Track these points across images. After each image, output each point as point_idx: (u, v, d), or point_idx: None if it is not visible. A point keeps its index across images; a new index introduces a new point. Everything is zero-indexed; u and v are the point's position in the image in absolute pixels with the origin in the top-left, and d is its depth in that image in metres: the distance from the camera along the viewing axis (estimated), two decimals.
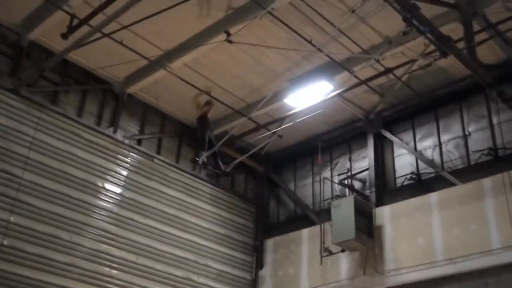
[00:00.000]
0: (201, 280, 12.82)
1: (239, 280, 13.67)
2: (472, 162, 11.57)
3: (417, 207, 11.62)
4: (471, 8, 9.72)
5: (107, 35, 10.30)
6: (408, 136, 12.91)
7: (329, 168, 14.12)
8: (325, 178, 13.55)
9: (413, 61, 10.73)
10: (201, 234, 13.18)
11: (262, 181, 15.04)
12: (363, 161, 13.33)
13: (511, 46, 10.76)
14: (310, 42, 10.75)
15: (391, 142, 13.00)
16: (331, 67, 11.64)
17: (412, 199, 11.79)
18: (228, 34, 10.50)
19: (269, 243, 14.09)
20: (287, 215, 14.48)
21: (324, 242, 12.33)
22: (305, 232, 13.24)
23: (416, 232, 11.41)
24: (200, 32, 11.06)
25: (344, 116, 13.49)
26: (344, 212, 11.67)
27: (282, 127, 12.55)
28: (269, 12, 10.16)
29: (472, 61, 9.47)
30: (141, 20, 9.83)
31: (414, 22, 8.42)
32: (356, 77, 11.53)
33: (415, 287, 11.11)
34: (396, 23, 9.61)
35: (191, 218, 13.12)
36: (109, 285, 11.24)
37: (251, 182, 14.98)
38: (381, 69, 11.42)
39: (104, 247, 11.39)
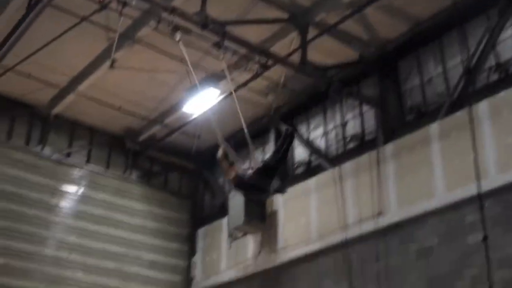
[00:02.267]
0: (133, 269, 15.18)
1: (174, 267, 15.97)
2: (347, 148, 13.43)
3: (301, 192, 13.61)
4: (303, 19, 11.65)
5: (10, 69, 12.59)
6: (303, 127, 14.82)
7: (247, 162, 16.16)
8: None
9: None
10: (132, 229, 15.53)
11: (194, 177, 17.25)
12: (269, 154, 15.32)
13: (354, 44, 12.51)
14: (181, 61, 12.85)
15: None
16: (217, 75, 13.69)
17: (298, 185, 13.78)
18: (113, 61, 12.73)
19: (200, 232, 16.33)
20: (217, 207, 16.62)
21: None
22: (224, 221, 15.35)
23: (299, 214, 13.42)
24: (93, 60, 13.30)
25: (250, 114, 15.46)
26: (237, 202, 13.79)
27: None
28: (138, 41, 12.33)
29: (304, 68, 11.48)
30: (29, 55, 12.08)
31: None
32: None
33: (299, 261, 13.14)
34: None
35: (122, 217, 15.49)
36: (42, 280, 13.74)
37: (185, 179, 17.19)
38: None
39: (36, 248, 13.89)
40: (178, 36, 10.47)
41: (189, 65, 10.41)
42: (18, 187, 14.09)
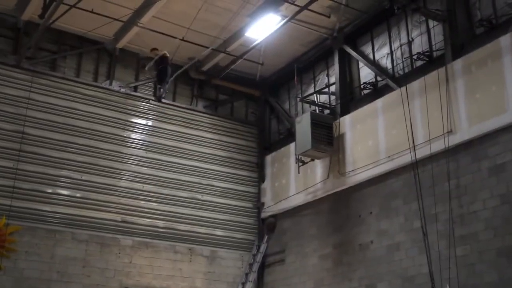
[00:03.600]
0: (206, 197, 15.59)
1: (244, 194, 16.29)
2: (415, 66, 13.11)
3: (368, 113, 13.48)
4: None
5: (74, 6, 12.79)
6: (368, 48, 14.53)
7: (312, 85, 16.09)
8: (300, 97, 15.55)
9: None
10: (203, 159, 15.90)
11: (260, 104, 17.32)
12: (334, 76, 15.17)
13: None
14: None
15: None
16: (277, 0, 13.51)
17: (365, 107, 13.65)
18: None
19: (268, 159, 16.52)
20: (284, 133, 16.70)
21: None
22: (291, 146, 15.44)
23: (367, 136, 13.34)
24: None
25: (313, 37, 15.28)
26: (304, 126, 13.80)
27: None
28: None
29: None
30: None
31: None
32: (295, 4, 13.29)
33: (368, 183, 13.16)
34: None
35: (192, 147, 15.83)
36: (120, 210, 14.33)
37: (251, 106, 17.28)
38: None
39: (112, 180, 14.43)
40: None
41: None
42: (91, 122, 14.51)
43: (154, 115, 15.54)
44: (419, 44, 13.08)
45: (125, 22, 14.28)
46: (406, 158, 12.05)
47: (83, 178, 14.11)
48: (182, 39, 14.72)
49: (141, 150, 15.08)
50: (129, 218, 14.44)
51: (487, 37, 11.25)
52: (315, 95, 15.57)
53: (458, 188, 10.99)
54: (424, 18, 13.00)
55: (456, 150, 11.23)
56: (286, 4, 13.41)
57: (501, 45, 10.71)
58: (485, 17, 11.64)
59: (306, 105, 15.87)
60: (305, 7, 13.07)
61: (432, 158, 11.66)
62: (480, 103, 10.93)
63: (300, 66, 15.90)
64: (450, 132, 11.32)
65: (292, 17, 13.46)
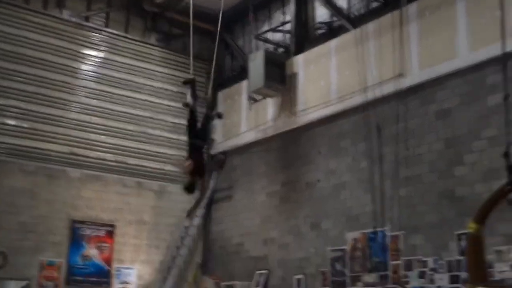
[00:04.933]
0: (156, 132, 15.49)
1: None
2: (370, 8, 13.05)
3: (322, 53, 13.45)
4: None
5: None
6: None
7: (267, 22, 15.90)
8: (255, 34, 15.39)
9: None
10: (154, 93, 15.68)
11: (214, 40, 17.01)
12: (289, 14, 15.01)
13: None
14: None
15: None
16: None
17: (319, 47, 13.61)
18: None
19: (220, 95, 16.43)
20: (238, 70, 16.56)
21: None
22: (244, 83, 15.34)
23: (320, 76, 13.35)
24: None
25: None
26: (257, 64, 13.70)
27: None
28: None
29: None
30: None
31: None
32: None
33: (318, 123, 13.26)
34: None
35: (144, 80, 15.58)
36: (68, 142, 14.13)
37: (205, 42, 17.00)
38: None
39: (60, 112, 14.15)
40: None
41: None
42: (39, 51, 14.09)
43: (105, 46, 15.16)
44: None
45: None
46: (357, 100, 12.18)
47: (31, 108, 13.78)
48: None
49: (91, 82, 14.77)
50: (77, 150, 14.26)
51: None
52: (270, 33, 15.42)
53: (406, 131, 11.16)
54: None
55: (406, 94, 11.34)
56: None
57: None
58: None
59: (261, 43, 15.74)
60: None
61: (382, 100, 11.77)
62: (431, 48, 11.01)
63: (256, 2, 15.66)
64: (401, 75, 11.41)
65: None
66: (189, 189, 11.28)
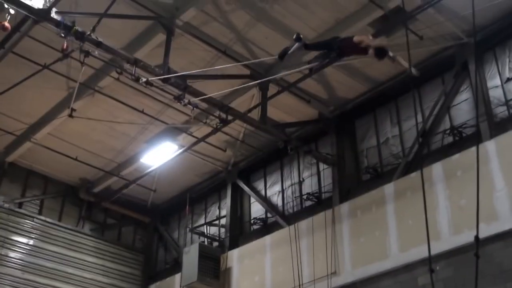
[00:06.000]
0: None
1: None
2: (304, 206, 13.45)
3: (257, 249, 13.50)
4: (264, 76, 11.79)
5: None
6: (261, 184, 14.84)
7: (203, 216, 16.07)
8: (190, 227, 15.48)
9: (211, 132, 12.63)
10: (84, 284, 15.09)
11: (149, 231, 17.00)
12: (225, 209, 15.26)
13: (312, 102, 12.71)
14: (142, 112, 12.91)
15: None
16: (176, 129, 13.70)
17: (253, 242, 13.71)
18: (72, 109, 12.64)
19: None
20: (171, 262, 16.33)
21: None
22: (177, 277, 15.04)
23: (254, 271, 13.27)
24: (52, 108, 13.19)
25: (208, 169, 15.46)
26: (191, 258, 13.60)
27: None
28: (98, 91, 12.33)
29: (263, 124, 11.61)
30: None
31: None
32: (192, 136, 13.53)
33: None
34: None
35: (74, 271, 15.08)
36: None
37: (139, 233, 16.92)
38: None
39: None
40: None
41: None
42: None
43: (37, 234, 14.86)
44: (309, 185, 13.55)
45: (17, 136, 13.93)
46: None
47: None
48: (75, 159, 14.55)
49: (17, 271, 14.19)
50: None
51: (373, 183, 11.83)
52: (205, 226, 15.53)
53: None
54: (315, 161, 13.56)
55: None
56: (183, 134, 13.63)
57: (385, 193, 11.26)
58: (372, 165, 12.29)
59: (196, 236, 15.76)
60: (202, 139, 13.32)
61: None
62: (364, 247, 11.25)
63: (193, 196, 15.98)
64: (334, 273, 11.50)
65: (189, 148, 13.62)
66: None
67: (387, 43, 8.69)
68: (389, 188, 11.23)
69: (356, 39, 8.33)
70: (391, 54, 8.07)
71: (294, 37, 8.72)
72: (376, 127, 12.55)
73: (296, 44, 8.86)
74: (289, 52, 8.99)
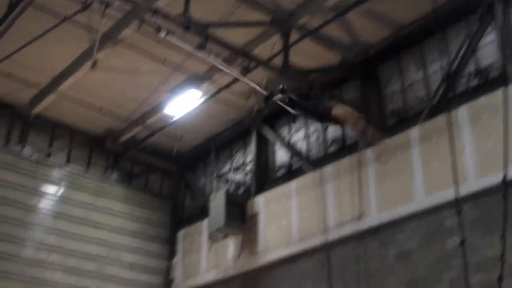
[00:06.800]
0: (113, 271, 15.13)
1: (154, 268, 15.94)
2: (329, 151, 13.52)
3: (282, 194, 13.67)
4: (286, 22, 11.72)
5: None
6: (285, 130, 14.89)
7: (228, 163, 16.24)
8: (216, 174, 15.67)
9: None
10: (113, 231, 15.45)
11: (175, 179, 17.26)
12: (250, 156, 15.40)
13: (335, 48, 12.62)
14: (164, 62, 12.95)
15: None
16: (199, 77, 13.73)
17: (279, 187, 13.86)
18: (94, 61, 12.73)
19: (180, 234, 16.34)
20: (198, 209, 16.62)
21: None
22: (204, 222, 15.34)
23: (280, 216, 13.48)
24: (74, 60, 13.26)
25: (232, 116, 15.53)
26: (218, 204, 13.83)
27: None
28: (119, 43, 12.35)
29: (285, 71, 11.60)
30: (10, 55, 12.07)
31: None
32: (216, 85, 13.54)
33: (279, 264, 13.20)
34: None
35: (103, 219, 15.40)
36: (20, 281, 13.65)
37: (166, 180, 17.19)
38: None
39: (15, 249, 13.80)
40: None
41: None
42: None
43: (66, 183, 15.16)
44: (333, 130, 13.54)
45: (41, 88, 14.08)
46: (318, 240, 12.27)
47: None
48: (100, 110, 14.71)
49: (49, 220, 14.58)
50: None
51: (398, 128, 11.82)
52: (230, 173, 15.72)
53: (366, 273, 11.21)
54: None
55: (365, 235, 11.51)
56: (206, 83, 13.65)
57: (410, 136, 11.26)
58: (396, 109, 12.25)
59: (222, 183, 15.97)
60: (225, 87, 13.33)
61: (342, 241, 11.91)
62: (389, 191, 11.34)
63: (218, 143, 16.12)
64: (360, 217, 11.63)
65: (212, 96, 13.66)
66: None
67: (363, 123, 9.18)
68: (414, 132, 11.22)
69: (335, 112, 8.67)
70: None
71: (279, 88, 9.00)
72: (400, 71, 12.44)
73: (280, 96, 9.21)
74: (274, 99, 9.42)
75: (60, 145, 15.48)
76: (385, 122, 12.48)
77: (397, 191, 11.16)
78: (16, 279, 13.63)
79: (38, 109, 14.85)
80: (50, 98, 14.32)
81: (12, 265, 13.67)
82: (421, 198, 10.69)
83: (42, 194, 14.70)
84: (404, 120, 11.99)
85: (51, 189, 14.88)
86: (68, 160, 15.50)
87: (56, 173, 15.10)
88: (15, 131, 14.84)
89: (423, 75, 11.99)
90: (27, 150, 14.78)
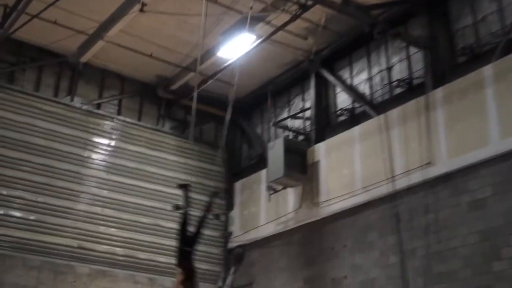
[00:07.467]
0: (170, 224, 15.49)
1: (211, 222, 16.20)
2: (394, 94, 13.33)
3: (344, 141, 13.63)
4: None
5: (36, 16, 12.75)
6: (346, 72, 14.74)
7: (286, 109, 16.23)
8: (274, 121, 15.70)
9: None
10: (167, 183, 15.78)
11: (230, 127, 17.31)
12: (309, 101, 15.34)
13: None
14: (216, 2, 12.91)
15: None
16: (252, 18, 13.62)
17: (341, 134, 13.81)
18: (143, 4, 12.83)
19: (238, 185, 16.56)
20: (256, 158, 16.75)
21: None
22: (263, 173, 15.49)
23: (342, 164, 13.47)
24: (122, 4, 13.30)
25: (289, 59, 15.44)
26: (276, 153, 13.90)
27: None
28: None
29: (346, 7, 11.41)
30: (55, 1, 12.19)
31: None
32: (271, 24, 13.43)
33: (342, 215, 13.26)
34: None
35: (157, 170, 15.79)
36: (77, 235, 14.19)
37: (221, 129, 17.27)
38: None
39: (69, 203, 14.29)
40: None
41: None
42: (49, 140, 14.42)
43: (117, 135, 15.52)
44: (399, 71, 13.33)
45: (90, 35, 14.26)
46: (383, 190, 12.24)
47: (38, 199, 13.95)
48: (150, 56, 14.83)
49: (101, 172, 15.00)
50: (86, 244, 14.30)
51: (469, 66, 11.50)
52: (289, 119, 15.72)
53: (437, 223, 11.15)
54: (404, 44, 13.26)
55: (435, 183, 11.40)
56: (261, 24, 13.55)
57: (484, 75, 10.96)
58: (468, 45, 11.90)
59: (280, 130, 16.00)
60: (281, 27, 13.20)
61: (410, 190, 11.85)
62: (460, 135, 11.13)
63: (275, 88, 16.09)
64: (429, 163, 11.50)
65: (267, 38, 13.55)
66: None
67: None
68: (488, 70, 10.90)
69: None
70: None
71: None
72: (472, 3, 12.03)
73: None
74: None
75: (110, 94, 15.74)
76: (456, 60, 12.16)
77: (469, 135, 10.94)
78: (70, 233, 14.15)
79: (86, 57, 15.10)
80: (99, 45, 14.51)
81: (66, 219, 14.20)
82: (496, 143, 10.46)
83: (94, 147, 15.08)
84: (477, 57, 11.63)
85: (103, 141, 15.24)
86: (119, 110, 15.79)
87: (107, 124, 15.41)
88: (64, 81, 15.19)
89: (497, 7, 11.56)
90: (76, 101, 15.11)
